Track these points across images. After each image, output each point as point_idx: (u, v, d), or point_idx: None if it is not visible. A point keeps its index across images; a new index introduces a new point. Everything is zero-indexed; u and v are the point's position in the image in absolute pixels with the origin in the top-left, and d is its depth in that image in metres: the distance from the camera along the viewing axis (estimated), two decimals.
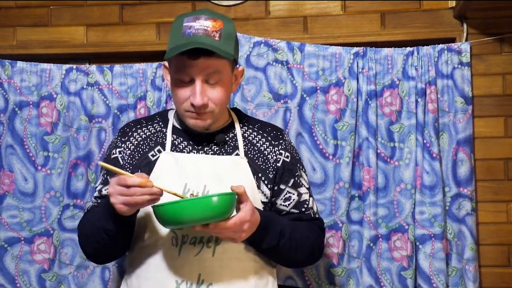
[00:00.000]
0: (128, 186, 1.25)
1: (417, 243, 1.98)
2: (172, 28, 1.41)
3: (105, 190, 1.47)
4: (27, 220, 2.08)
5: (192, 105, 1.39)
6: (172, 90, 1.44)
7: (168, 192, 1.30)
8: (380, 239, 1.99)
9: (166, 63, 1.48)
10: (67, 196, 2.07)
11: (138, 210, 1.36)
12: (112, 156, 1.50)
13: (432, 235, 1.95)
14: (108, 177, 1.48)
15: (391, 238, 1.99)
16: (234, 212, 1.31)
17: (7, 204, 2.08)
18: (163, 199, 1.29)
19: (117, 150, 1.50)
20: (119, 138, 1.52)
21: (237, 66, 1.49)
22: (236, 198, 1.30)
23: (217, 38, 1.36)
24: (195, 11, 1.43)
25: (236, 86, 1.52)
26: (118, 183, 1.26)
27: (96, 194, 1.50)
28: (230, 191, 1.30)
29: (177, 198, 1.29)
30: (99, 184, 1.51)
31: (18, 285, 2.07)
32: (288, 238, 1.43)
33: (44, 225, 2.08)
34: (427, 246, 1.96)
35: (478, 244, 2.02)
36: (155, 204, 1.28)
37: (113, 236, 1.36)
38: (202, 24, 1.36)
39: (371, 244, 1.99)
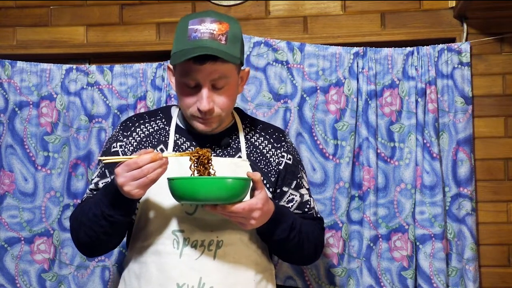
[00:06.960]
0: (140, 167, 1.24)
1: (417, 243, 1.97)
2: (177, 31, 1.39)
3: (102, 183, 1.46)
4: (27, 220, 2.08)
5: (199, 110, 1.38)
6: (178, 95, 1.43)
7: (178, 156, 1.33)
8: (380, 239, 1.99)
9: (170, 65, 1.45)
10: (67, 196, 2.07)
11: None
12: (112, 150, 1.47)
13: (432, 235, 1.95)
14: (106, 170, 1.46)
15: (391, 238, 1.99)
16: (248, 198, 1.31)
17: (7, 204, 2.08)
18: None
19: (118, 144, 1.47)
20: (120, 132, 1.49)
21: (243, 67, 1.47)
22: (252, 186, 1.31)
23: (223, 42, 1.34)
24: (200, 12, 1.39)
25: (242, 87, 1.50)
26: (129, 169, 1.24)
27: (92, 186, 1.48)
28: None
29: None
30: (96, 177, 1.48)
31: (18, 285, 2.07)
32: (298, 231, 1.43)
33: (44, 225, 2.08)
34: (427, 246, 1.96)
35: (478, 244, 2.01)
36: (171, 177, 1.28)
37: (113, 222, 1.33)
38: (208, 28, 1.34)
39: (371, 244, 1.99)
